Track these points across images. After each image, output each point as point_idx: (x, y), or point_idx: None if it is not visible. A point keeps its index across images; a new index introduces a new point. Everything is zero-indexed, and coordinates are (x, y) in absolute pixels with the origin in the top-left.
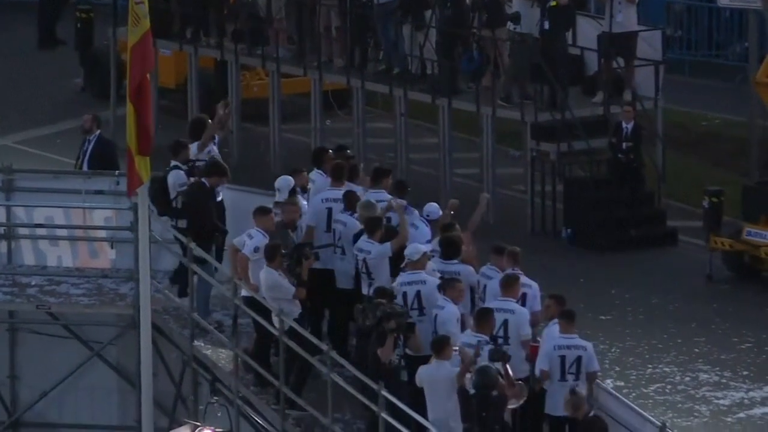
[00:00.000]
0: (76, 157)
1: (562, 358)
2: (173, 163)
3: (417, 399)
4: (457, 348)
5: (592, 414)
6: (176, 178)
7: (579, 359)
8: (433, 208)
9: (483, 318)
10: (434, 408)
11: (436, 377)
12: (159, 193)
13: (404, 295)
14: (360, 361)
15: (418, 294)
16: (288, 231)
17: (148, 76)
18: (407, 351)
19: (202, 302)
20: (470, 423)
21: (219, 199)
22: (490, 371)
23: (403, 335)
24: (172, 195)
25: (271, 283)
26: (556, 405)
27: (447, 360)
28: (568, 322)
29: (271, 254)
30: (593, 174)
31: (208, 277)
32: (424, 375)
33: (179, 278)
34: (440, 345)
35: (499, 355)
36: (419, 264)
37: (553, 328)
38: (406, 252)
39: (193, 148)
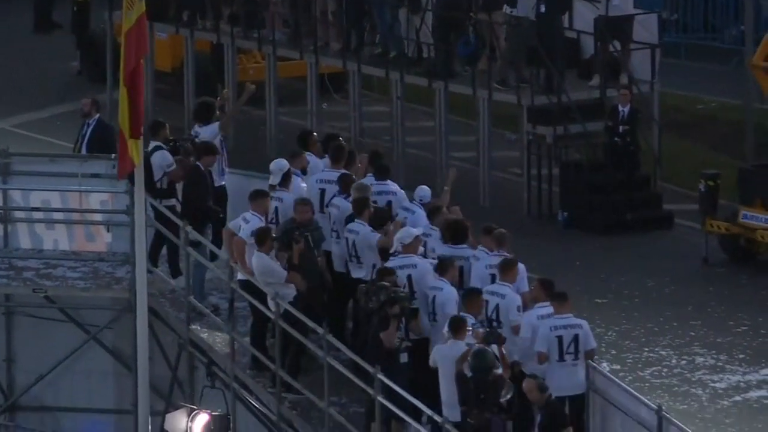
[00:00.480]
0: (75, 141)
1: (560, 338)
2: (153, 143)
3: (415, 381)
4: (470, 329)
5: (554, 397)
6: (162, 159)
7: (576, 338)
8: (425, 192)
9: (471, 299)
10: (448, 388)
11: (452, 357)
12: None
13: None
14: (360, 344)
15: (409, 278)
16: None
17: (142, 60)
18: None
19: (198, 285)
20: (468, 405)
21: (222, 183)
22: (486, 354)
23: (406, 320)
24: (158, 176)
25: (262, 267)
26: (557, 386)
27: (462, 340)
28: (561, 303)
29: (260, 238)
30: (589, 157)
31: (204, 260)
32: (438, 355)
33: (154, 254)
34: (457, 325)
35: (494, 337)
36: (411, 248)
37: (533, 312)
38: (398, 236)
39: (206, 130)
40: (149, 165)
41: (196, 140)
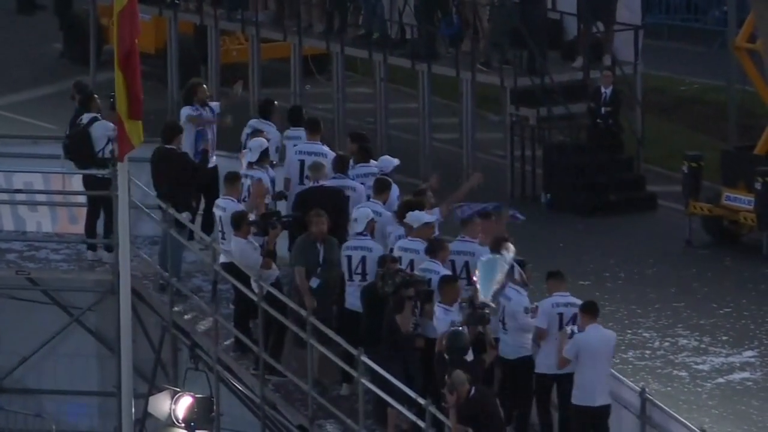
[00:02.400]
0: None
1: (560, 315)
2: (88, 115)
3: (429, 368)
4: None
5: (473, 393)
6: (104, 128)
7: (575, 317)
8: (389, 162)
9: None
10: (587, 372)
11: (596, 341)
12: (81, 146)
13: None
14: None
15: (411, 263)
16: (316, 243)
17: (136, 41)
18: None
19: (176, 266)
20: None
21: (213, 165)
22: (461, 335)
23: (420, 303)
24: (99, 146)
25: (238, 252)
26: (552, 364)
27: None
28: (560, 281)
29: (237, 223)
30: (572, 139)
31: (185, 242)
32: (582, 342)
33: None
34: (595, 309)
35: (477, 318)
36: (419, 233)
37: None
38: (407, 219)
39: (186, 110)
40: (88, 138)
41: None
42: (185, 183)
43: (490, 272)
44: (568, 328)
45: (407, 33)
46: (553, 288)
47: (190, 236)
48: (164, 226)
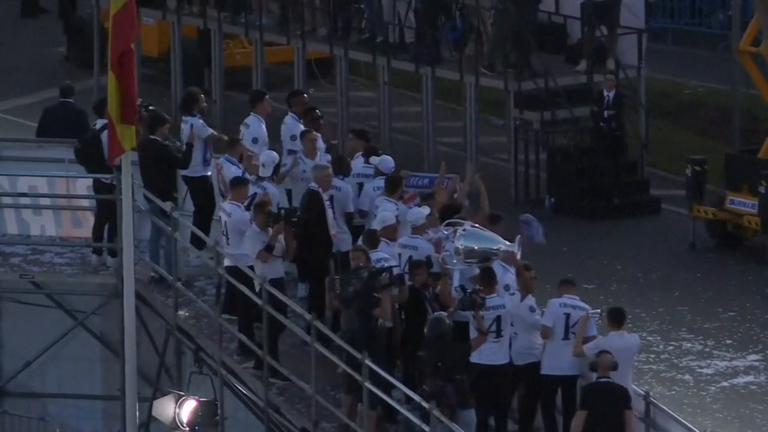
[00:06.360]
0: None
1: (567, 316)
2: (101, 121)
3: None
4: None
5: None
6: None
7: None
8: (390, 163)
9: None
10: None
11: (617, 348)
12: (92, 151)
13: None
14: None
15: (409, 259)
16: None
17: (132, 44)
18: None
19: (161, 254)
20: (425, 373)
21: (207, 174)
22: (442, 321)
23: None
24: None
25: (249, 238)
26: (554, 366)
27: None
28: (570, 286)
29: (257, 208)
30: (576, 143)
31: (186, 244)
32: (603, 347)
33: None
34: (618, 316)
35: (469, 302)
36: (420, 229)
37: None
38: (411, 217)
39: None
40: (99, 144)
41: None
42: (167, 174)
43: (482, 239)
44: (593, 314)
45: (410, 36)
46: (565, 290)
47: (193, 240)
48: (155, 219)
